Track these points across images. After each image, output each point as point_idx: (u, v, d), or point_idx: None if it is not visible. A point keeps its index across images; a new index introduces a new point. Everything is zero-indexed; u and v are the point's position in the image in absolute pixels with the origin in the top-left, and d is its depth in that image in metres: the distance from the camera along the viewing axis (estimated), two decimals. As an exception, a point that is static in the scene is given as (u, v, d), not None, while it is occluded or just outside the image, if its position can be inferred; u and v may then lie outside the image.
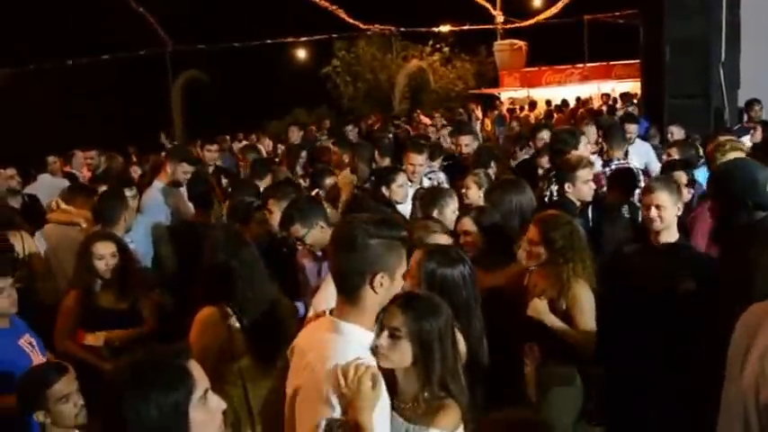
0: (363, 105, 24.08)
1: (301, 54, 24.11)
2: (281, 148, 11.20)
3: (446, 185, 5.67)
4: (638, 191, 5.07)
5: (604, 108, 16.72)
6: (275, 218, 4.36)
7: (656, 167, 6.50)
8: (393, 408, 2.31)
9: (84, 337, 4.17)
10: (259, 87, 24.17)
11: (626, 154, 6.26)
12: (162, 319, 4.47)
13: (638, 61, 12.33)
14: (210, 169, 7.61)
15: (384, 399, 2.22)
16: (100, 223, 4.84)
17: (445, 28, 24.58)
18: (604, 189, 5.52)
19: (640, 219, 4.42)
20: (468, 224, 3.96)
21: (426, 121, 16.48)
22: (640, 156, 6.66)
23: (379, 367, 2.25)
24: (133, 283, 4.40)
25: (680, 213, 3.79)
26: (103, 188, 5.83)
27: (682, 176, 4.99)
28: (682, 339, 3.32)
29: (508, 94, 25.16)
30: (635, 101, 13.73)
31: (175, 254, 5.35)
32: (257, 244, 4.34)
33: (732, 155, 4.69)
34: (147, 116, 21.34)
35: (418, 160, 5.64)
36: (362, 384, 2.11)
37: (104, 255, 4.22)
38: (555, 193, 5.28)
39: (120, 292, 4.30)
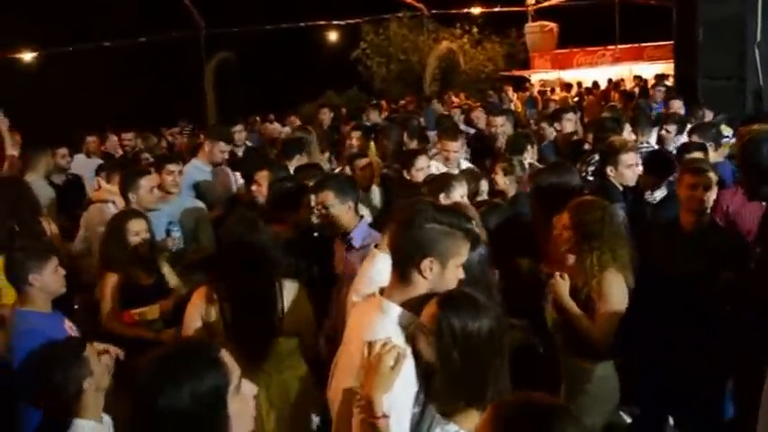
0: (395, 87, 24.10)
1: (332, 36, 24.13)
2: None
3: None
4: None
5: (636, 90, 16.59)
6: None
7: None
8: (428, 395, 2.24)
9: (132, 316, 4.14)
10: (290, 70, 24.31)
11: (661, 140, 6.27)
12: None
13: (670, 42, 12.22)
14: (240, 151, 7.77)
15: (405, 383, 2.16)
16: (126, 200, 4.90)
17: (476, 10, 24.40)
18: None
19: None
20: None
21: (456, 100, 16.49)
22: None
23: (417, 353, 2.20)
24: (157, 256, 4.43)
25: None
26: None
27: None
28: (713, 325, 3.34)
29: (539, 76, 24.99)
30: (667, 83, 13.60)
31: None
32: (302, 228, 4.44)
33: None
34: (180, 97, 21.68)
35: (453, 146, 5.64)
36: (381, 362, 2.09)
37: (139, 231, 4.24)
38: (589, 174, 5.37)
39: (149, 267, 4.31)
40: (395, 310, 2.28)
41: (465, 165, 5.90)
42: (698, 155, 5.07)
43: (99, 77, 23.05)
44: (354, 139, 6.98)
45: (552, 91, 20.48)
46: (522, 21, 25.86)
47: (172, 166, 5.29)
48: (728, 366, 3.42)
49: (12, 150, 7.15)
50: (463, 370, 2.09)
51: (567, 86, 20.58)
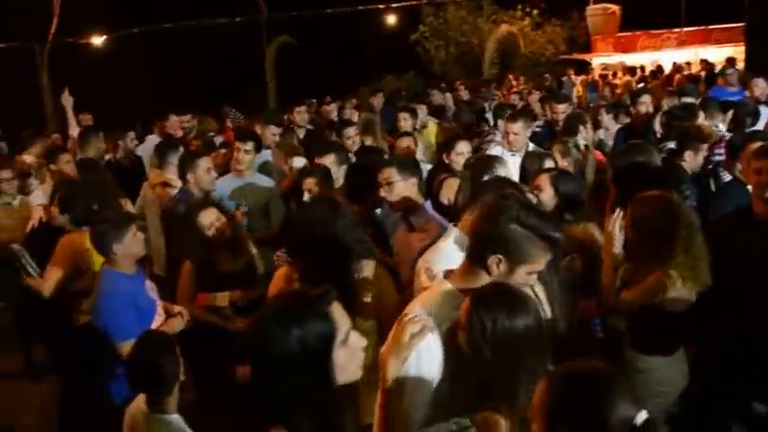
0: (453, 70, 23.99)
1: (391, 20, 24.13)
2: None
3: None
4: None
5: (702, 75, 16.12)
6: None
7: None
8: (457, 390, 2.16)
9: (205, 300, 4.18)
10: (349, 53, 24.45)
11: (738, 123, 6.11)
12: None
13: (741, 24, 11.83)
14: (302, 132, 7.89)
15: (423, 360, 2.14)
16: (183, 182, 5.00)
17: (537, -8, 24.10)
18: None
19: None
20: (544, 181, 3.99)
21: (516, 84, 16.35)
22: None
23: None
24: (244, 242, 4.43)
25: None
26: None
27: None
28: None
29: (600, 60, 24.49)
30: (736, 67, 13.17)
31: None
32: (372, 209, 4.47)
33: None
34: (241, 80, 22.08)
35: (514, 128, 5.58)
36: (402, 332, 2.11)
37: (212, 223, 4.19)
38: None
39: (234, 253, 4.29)
40: (452, 295, 2.27)
41: (531, 147, 5.86)
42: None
43: (163, 61, 23.66)
44: (401, 120, 6.98)
45: (614, 75, 20.07)
46: (584, 3, 25.36)
47: (242, 144, 5.37)
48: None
49: (73, 131, 7.49)
50: (494, 368, 2.01)
51: (630, 70, 20.08)
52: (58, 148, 7.15)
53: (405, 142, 6.10)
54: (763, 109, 6.74)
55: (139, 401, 3.00)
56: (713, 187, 4.84)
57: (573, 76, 16.65)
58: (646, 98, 6.89)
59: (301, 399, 1.73)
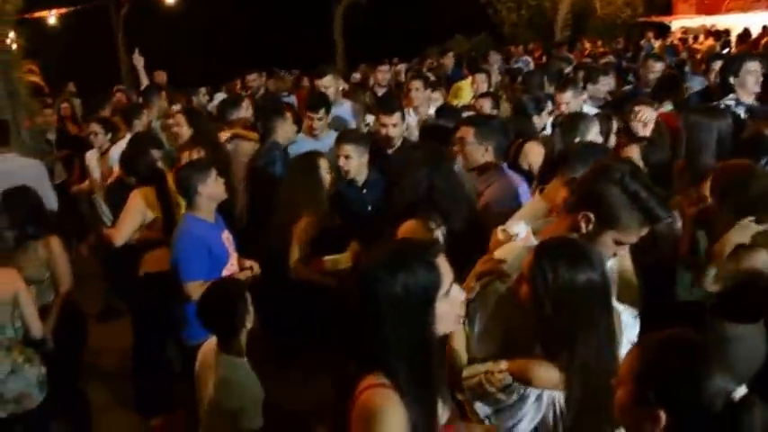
0: (525, 32, 23.38)
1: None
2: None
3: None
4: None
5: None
6: None
7: None
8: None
9: (323, 263, 4.18)
10: (419, 14, 24.13)
11: None
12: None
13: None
14: (381, 92, 7.86)
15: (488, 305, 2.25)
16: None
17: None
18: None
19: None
20: (633, 152, 3.97)
21: (589, 47, 15.83)
22: None
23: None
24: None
25: None
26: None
27: None
28: None
29: (681, 23, 23.36)
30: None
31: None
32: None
33: None
34: (309, 41, 22.11)
35: (564, 98, 5.50)
36: (475, 268, 2.25)
37: (329, 169, 4.36)
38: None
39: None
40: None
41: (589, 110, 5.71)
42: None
43: (234, 20, 23.88)
44: (413, 90, 6.67)
45: (696, 39, 19.12)
46: (666, -39, 24.23)
47: (313, 114, 5.42)
48: None
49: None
50: (554, 321, 2.05)
51: (714, 34, 19.05)
52: (137, 105, 7.36)
53: (484, 103, 5.97)
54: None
55: (212, 342, 3.10)
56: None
57: (652, 40, 15.94)
58: (718, 64, 6.53)
59: (401, 345, 1.76)
